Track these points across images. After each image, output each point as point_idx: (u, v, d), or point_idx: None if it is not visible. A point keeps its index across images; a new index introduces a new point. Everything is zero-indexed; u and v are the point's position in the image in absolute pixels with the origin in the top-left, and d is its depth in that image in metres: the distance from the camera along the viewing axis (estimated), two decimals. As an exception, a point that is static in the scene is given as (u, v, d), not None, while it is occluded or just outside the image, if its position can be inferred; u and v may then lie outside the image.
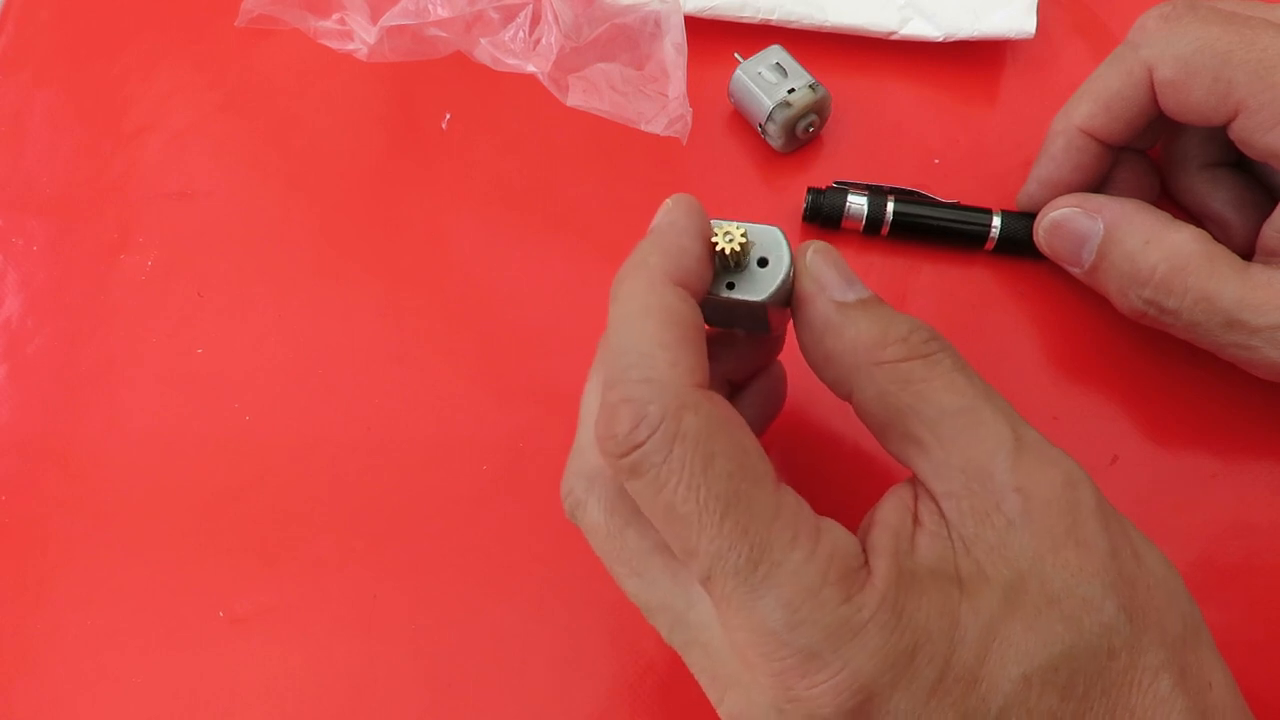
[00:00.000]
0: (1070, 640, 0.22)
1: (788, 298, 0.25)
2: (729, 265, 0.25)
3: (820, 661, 0.21)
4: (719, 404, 0.23)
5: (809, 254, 0.25)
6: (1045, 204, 0.36)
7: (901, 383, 0.24)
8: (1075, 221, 0.34)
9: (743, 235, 0.24)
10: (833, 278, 0.25)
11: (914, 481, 0.25)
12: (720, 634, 0.23)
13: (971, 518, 0.23)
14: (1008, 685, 0.21)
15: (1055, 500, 0.23)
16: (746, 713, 0.23)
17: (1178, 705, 0.22)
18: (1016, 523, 0.23)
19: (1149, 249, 0.32)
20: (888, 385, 0.24)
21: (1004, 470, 0.23)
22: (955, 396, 0.23)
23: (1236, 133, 0.31)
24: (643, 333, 0.23)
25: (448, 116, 0.42)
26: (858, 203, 0.38)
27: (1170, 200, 0.37)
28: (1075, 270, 0.35)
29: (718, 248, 0.24)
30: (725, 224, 0.24)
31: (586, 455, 0.26)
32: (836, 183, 0.38)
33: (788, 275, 0.24)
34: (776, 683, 0.21)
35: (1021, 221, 0.37)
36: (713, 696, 0.24)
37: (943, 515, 0.23)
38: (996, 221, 0.37)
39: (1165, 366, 0.36)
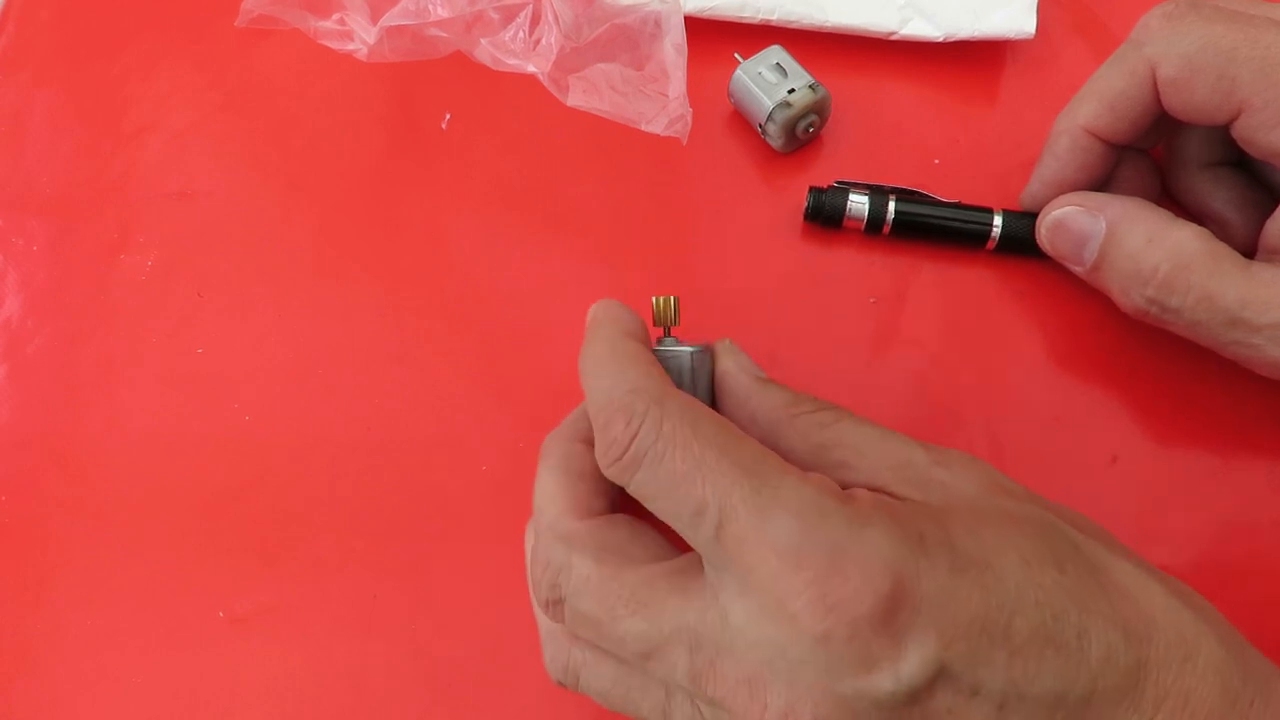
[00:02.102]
0: (1037, 533, 0.25)
1: (713, 396, 0.31)
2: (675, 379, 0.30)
3: (845, 554, 0.22)
4: (692, 398, 0.26)
5: (725, 344, 0.31)
6: (1048, 203, 0.36)
7: (818, 425, 0.28)
8: (1077, 220, 0.34)
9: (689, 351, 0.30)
10: (747, 363, 0.30)
11: None
12: (744, 613, 0.23)
13: (913, 488, 0.26)
14: (1014, 567, 0.23)
15: (970, 467, 0.27)
16: (795, 686, 0.22)
17: (1153, 580, 0.25)
18: (950, 483, 0.26)
19: (1151, 248, 0.32)
20: (807, 429, 0.28)
21: (922, 460, 0.27)
22: (866, 427, 0.28)
23: (1239, 131, 0.31)
24: (615, 367, 0.27)
25: (448, 116, 0.42)
26: (859, 202, 0.38)
27: (1171, 200, 0.37)
28: (1077, 269, 0.35)
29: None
30: (671, 342, 0.30)
31: (556, 526, 0.27)
32: (838, 183, 0.38)
33: (713, 377, 0.30)
34: (812, 597, 0.22)
35: (1023, 221, 0.37)
36: (756, 710, 0.23)
37: (889, 494, 0.26)
38: (998, 221, 0.37)
39: (1166, 366, 0.36)
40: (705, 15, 0.41)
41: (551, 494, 0.28)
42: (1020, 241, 0.37)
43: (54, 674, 0.34)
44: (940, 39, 0.40)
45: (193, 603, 0.35)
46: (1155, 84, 0.32)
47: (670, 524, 0.24)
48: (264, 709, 0.34)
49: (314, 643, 0.34)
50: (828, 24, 0.41)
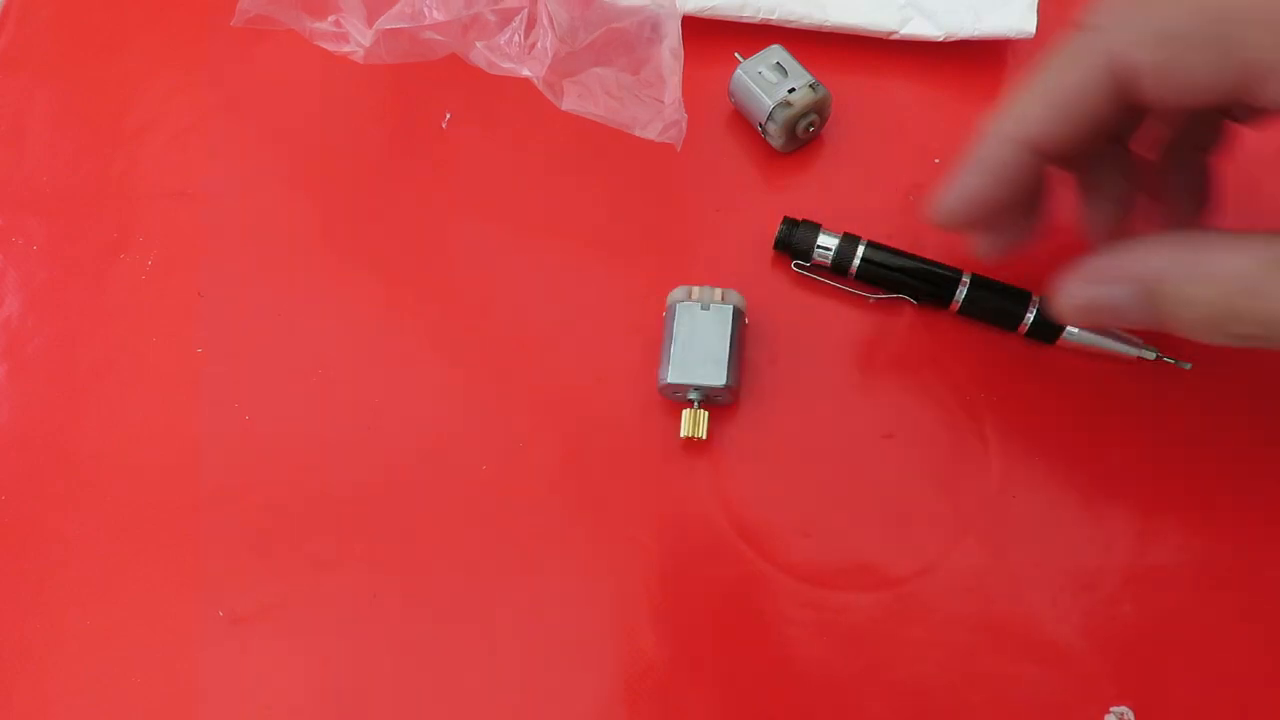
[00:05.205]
0: None
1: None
2: None
3: None
4: None
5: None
6: (966, 221, 0.31)
7: None
8: (1110, 298, 0.29)
9: None
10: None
11: None
12: None
13: None
14: None
15: None
16: None
17: None
18: None
19: (1210, 288, 0.27)
20: None
21: None
22: None
23: (1258, 96, 0.25)
24: None
25: (448, 116, 0.42)
26: (827, 244, 0.37)
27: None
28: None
29: None
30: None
31: None
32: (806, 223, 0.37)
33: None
34: None
35: (989, 290, 0.36)
36: None
37: None
38: (966, 280, 0.36)
39: (1164, 366, 0.36)
40: (705, 15, 0.41)
41: None
42: (986, 310, 0.36)
43: (54, 674, 0.34)
44: (940, 38, 0.40)
45: (193, 603, 0.35)
46: (1122, 77, 0.27)
47: None
48: (264, 709, 0.34)
49: (314, 643, 0.34)
50: (828, 23, 0.41)
